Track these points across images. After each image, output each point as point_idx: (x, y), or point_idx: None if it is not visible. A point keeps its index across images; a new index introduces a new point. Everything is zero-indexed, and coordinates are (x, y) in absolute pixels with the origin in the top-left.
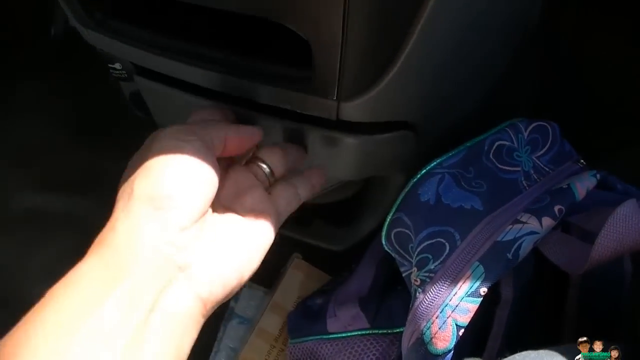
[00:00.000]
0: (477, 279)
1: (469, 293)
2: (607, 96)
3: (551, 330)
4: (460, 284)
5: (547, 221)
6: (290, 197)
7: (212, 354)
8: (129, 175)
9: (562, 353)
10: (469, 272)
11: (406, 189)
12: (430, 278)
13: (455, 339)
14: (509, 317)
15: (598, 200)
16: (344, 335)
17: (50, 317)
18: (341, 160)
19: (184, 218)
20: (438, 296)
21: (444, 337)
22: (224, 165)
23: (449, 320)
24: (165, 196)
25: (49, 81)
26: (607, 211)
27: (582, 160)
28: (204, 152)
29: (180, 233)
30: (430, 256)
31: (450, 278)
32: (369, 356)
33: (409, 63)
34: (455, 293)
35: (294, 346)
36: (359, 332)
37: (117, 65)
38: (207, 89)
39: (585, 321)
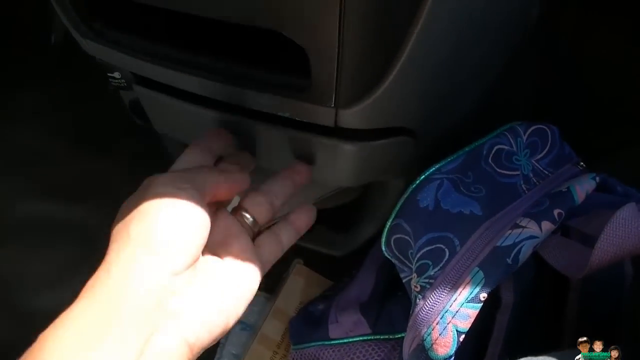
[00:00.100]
0: (477, 285)
1: (469, 299)
2: (607, 96)
3: (552, 335)
4: (460, 289)
5: (546, 225)
6: (274, 248)
7: None
8: (124, 218)
9: (563, 358)
10: (468, 278)
11: (405, 195)
12: (430, 284)
13: (455, 345)
14: (510, 322)
15: (598, 203)
16: (345, 341)
17: None
18: (340, 166)
19: (179, 263)
20: (438, 302)
21: (445, 343)
22: (212, 210)
23: (450, 326)
24: (160, 241)
25: (49, 89)
26: (607, 214)
27: (581, 163)
28: (198, 199)
29: (173, 278)
30: (429, 262)
31: (450, 284)
32: None
33: (406, 69)
34: (455, 299)
35: (296, 352)
36: (361, 338)
37: (116, 75)
38: (205, 97)
39: (585, 325)
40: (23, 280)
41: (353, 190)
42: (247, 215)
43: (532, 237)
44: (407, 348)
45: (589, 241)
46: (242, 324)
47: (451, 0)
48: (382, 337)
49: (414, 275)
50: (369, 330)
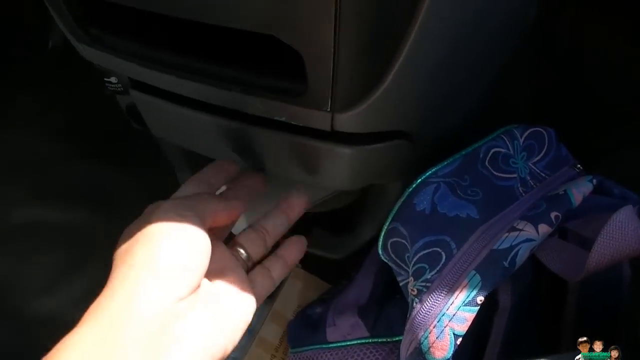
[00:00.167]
0: (474, 288)
1: (466, 302)
2: (607, 96)
3: (550, 337)
4: (457, 293)
5: (543, 228)
6: (266, 282)
7: None
8: (127, 242)
9: None
10: (465, 281)
11: (401, 199)
12: (427, 287)
13: (453, 348)
14: (507, 325)
15: (595, 205)
16: (343, 344)
17: None
18: (336, 170)
19: (183, 288)
20: (435, 306)
21: (442, 347)
22: (211, 236)
23: (447, 330)
24: (165, 266)
25: (48, 93)
26: (604, 217)
27: (578, 165)
28: (200, 225)
29: (178, 302)
30: (426, 266)
31: (447, 287)
32: None
33: (403, 72)
34: (452, 302)
35: (294, 355)
36: (359, 341)
37: (113, 79)
38: (202, 101)
39: (583, 327)
40: (17, 284)
41: (351, 193)
42: (242, 251)
43: (529, 240)
44: (405, 351)
45: (587, 244)
46: None
47: (448, 1)
48: (380, 340)
49: (411, 278)
50: (366, 333)
